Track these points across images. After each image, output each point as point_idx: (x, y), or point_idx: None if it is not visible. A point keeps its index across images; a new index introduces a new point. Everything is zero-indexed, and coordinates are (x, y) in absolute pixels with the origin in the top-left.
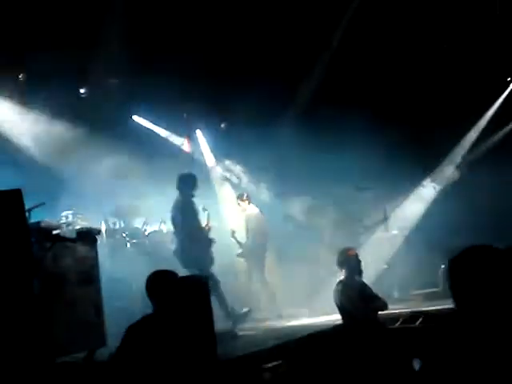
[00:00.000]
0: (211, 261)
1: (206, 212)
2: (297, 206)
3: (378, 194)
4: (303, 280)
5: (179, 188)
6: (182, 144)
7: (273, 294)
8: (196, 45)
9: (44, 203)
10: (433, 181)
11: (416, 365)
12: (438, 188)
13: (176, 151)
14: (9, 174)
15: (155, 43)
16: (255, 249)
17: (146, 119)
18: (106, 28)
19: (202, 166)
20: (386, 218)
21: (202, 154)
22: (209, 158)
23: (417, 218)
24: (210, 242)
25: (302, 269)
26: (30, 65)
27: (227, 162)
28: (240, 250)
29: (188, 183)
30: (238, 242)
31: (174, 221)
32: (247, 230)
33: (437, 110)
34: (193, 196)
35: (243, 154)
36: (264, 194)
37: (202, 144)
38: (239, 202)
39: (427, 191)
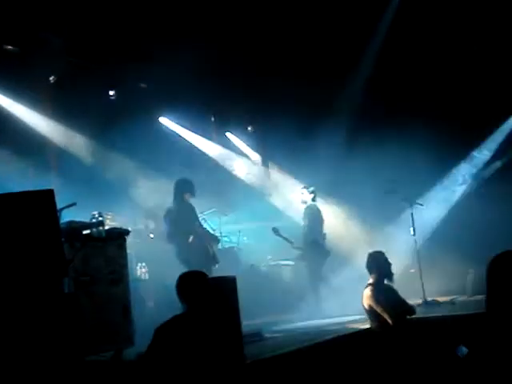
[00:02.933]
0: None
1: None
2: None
3: (406, 197)
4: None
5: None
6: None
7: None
8: (225, 45)
9: (75, 203)
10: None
11: (461, 352)
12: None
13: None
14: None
15: (183, 43)
16: (309, 244)
17: (174, 121)
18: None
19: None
20: (412, 222)
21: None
22: (255, 158)
23: (441, 221)
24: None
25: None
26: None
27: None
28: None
29: (186, 188)
30: (285, 239)
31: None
32: (305, 223)
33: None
34: (187, 200)
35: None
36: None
37: (240, 145)
38: (303, 192)
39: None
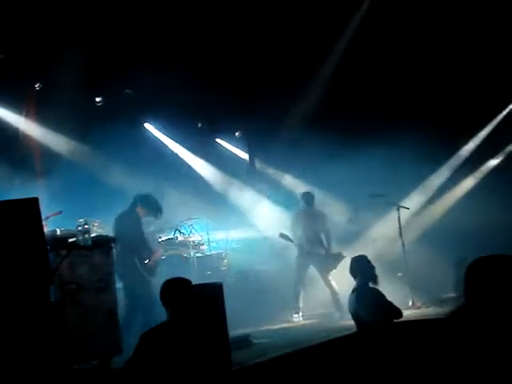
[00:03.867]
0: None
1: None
2: None
3: (391, 201)
4: None
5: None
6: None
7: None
8: (210, 52)
9: (61, 212)
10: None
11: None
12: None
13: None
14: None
15: (167, 49)
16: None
17: (159, 128)
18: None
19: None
20: (399, 225)
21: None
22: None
23: (429, 223)
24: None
25: None
26: (45, 74)
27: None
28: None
29: (148, 204)
30: (290, 240)
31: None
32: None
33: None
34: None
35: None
36: None
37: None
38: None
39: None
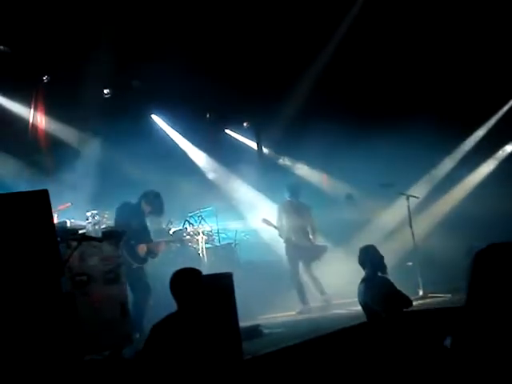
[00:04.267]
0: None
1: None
2: None
3: (401, 190)
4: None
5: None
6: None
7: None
8: (214, 42)
9: (71, 204)
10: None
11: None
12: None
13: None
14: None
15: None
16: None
17: (165, 120)
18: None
19: None
20: (409, 215)
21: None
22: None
23: (440, 212)
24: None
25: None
26: (53, 67)
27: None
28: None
29: (153, 203)
30: (273, 225)
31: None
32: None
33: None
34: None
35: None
36: None
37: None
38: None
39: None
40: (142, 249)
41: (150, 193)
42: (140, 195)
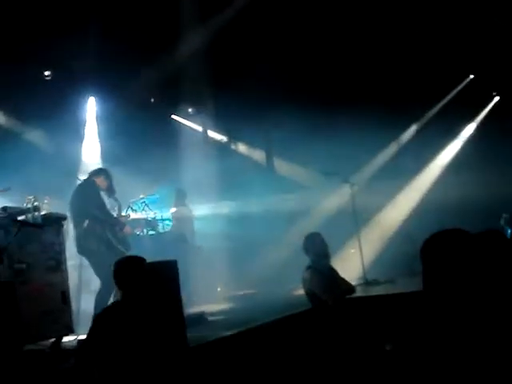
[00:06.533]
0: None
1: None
2: None
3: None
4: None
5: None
6: None
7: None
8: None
9: (10, 188)
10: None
11: (388, 346)
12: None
13: None
14: None
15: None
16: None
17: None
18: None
19: None
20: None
21: None
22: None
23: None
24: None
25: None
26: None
27: None
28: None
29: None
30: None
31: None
32: None
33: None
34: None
35: None
36: None
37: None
38: None
39: None
40: (127, 230)
41: (103, 169)
42: (89, 174)
